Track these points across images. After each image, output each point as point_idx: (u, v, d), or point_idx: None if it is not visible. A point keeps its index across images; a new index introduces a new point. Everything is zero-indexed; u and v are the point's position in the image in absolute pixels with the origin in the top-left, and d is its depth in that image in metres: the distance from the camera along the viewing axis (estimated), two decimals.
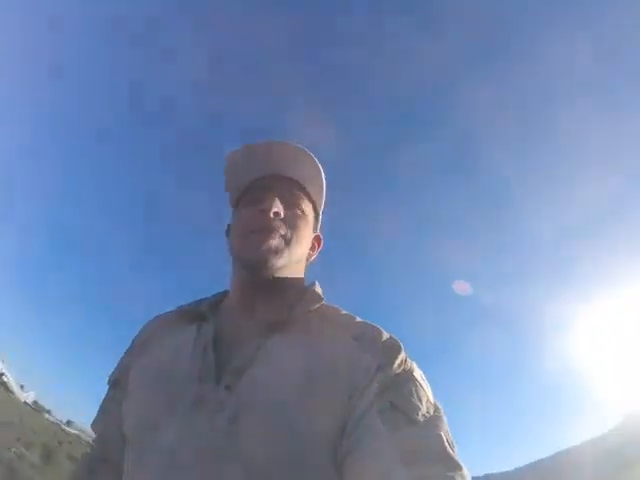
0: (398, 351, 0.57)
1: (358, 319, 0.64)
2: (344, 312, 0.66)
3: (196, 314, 0.68)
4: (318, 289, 0.69)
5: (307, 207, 0.71)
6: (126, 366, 0.70)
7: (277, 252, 0.63)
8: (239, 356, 0.58)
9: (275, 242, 0.63)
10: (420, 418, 0.50)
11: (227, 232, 0.76)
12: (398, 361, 0.56)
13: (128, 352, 0.73)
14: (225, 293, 0.74)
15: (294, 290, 0.67)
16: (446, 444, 0.47)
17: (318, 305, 0.65)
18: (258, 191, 0.69)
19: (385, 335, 0.60)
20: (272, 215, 0.63)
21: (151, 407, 0.58)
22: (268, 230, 0.63)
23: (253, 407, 0.52)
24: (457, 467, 0.45)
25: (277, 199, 0.65)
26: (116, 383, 0.70)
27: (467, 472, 0.45)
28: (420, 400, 0.52)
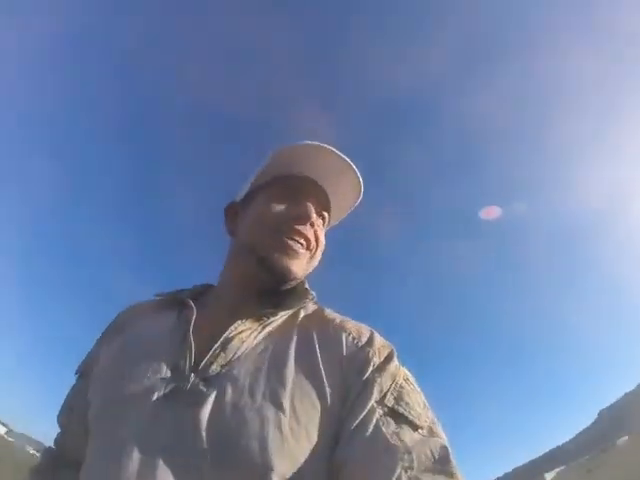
0: (392, 354, 0.57)
1: (351, 320, 0.63)
2: (336, 314, 0.65)
3: (176, 301, 0.66)
4: (309, 288, 0.67)
5: (326, 219, 0.72)
6: (96, 354, 0.66)
7: (303, 264, 0.65)
8: (221, 347, 0.54)
9: (304, 253, 0.65)
10: (422, 424, 0.49)
11: (230, 211, 0.73)
12: (394, 364, 0.56)
13: (99, 341, 0.69)
14: (207, 286, 0.73)
15: (289, 289, 0.66)
16: (450, 451, 0.47)
17: (310, 304, 0.64)
18: (292, 190, 0.67)
19: (379, 337, 0.60)
20: (308, 225, 0.65)
21: (117, 391, 0.53)
22: (305, 240, 0.64)
23: (233, 405, 0.48)
24: (460, 476, 0.45)
25: (313, 208, 0.66)
26: (84, 374, 0.66)
27: None
28: (419, 406, 0.52)
